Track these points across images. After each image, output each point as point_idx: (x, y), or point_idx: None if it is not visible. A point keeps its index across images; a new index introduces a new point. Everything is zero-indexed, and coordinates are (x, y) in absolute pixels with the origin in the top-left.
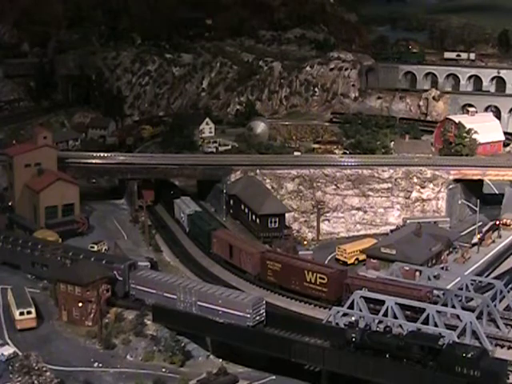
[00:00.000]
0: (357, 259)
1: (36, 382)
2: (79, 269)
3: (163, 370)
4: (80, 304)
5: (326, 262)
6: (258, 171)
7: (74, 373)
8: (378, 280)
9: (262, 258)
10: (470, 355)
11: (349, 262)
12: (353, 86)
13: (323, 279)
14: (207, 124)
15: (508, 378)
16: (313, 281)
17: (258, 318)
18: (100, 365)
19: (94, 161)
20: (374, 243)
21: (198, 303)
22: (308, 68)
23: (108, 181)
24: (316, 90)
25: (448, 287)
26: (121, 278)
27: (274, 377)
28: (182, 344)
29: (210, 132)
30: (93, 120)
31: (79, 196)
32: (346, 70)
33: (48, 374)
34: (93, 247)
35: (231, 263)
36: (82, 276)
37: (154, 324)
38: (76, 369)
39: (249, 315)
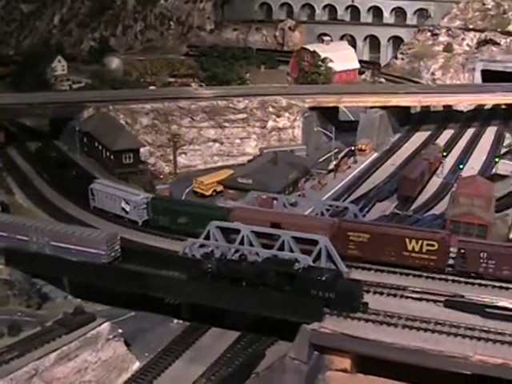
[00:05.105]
0: (214, 191)
1: None
2: None
3: (19, 314)
4: None
5: (184, 196)
6: (110, 107)
7: None
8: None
9: (340, 230)
10: (324, 278)
11: (206, 194)
12: (208, 18)
13: (432, 246)
14: (59, 62)
15: (362, 298)
16: (416, 249)
17: (113, 254)
18: None
19: None
20: (231, 174)
21: (51, 243)
22: (162, 1)
23: None
24: (171, 23)
25: (305, 213)
26: None
27: (133, 313)
28: (38, 286)
29: (63, 70)
30: None
31: None
32: (201, 2)
33: None
34: None
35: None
36: None
37: (7, 268)
38: None
39: (103, 252)
